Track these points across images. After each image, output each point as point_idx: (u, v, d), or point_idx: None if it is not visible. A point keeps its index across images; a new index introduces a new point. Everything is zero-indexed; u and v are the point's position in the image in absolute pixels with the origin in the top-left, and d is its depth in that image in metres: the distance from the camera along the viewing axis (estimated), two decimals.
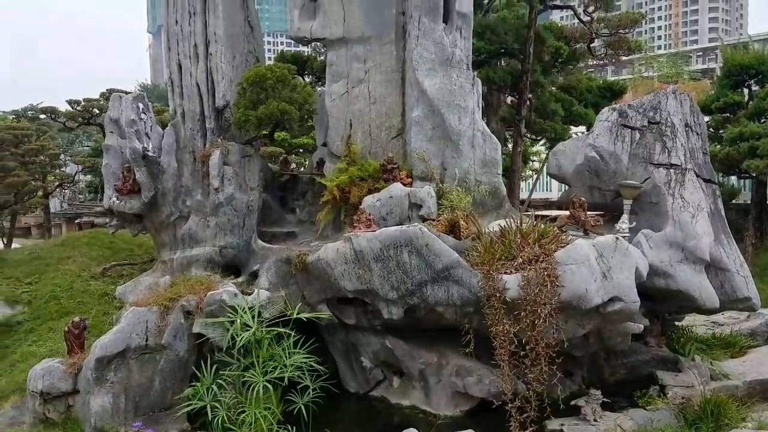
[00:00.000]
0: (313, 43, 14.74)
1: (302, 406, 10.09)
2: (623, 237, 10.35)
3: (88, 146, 38.10)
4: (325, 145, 13.77)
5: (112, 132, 13.32)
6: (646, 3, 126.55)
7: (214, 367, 10.45)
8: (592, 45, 19.44)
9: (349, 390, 12.00)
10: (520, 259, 9.65)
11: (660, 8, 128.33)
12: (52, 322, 15.91)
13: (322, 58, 19.51)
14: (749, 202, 22.20)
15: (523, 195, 24.45)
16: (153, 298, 11.37)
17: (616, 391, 11.03)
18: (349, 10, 12.78)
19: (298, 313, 10.71)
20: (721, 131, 21.70)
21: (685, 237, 10.85)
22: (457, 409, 10.82)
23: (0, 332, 15.88)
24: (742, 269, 11.54)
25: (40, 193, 25.99)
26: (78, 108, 23.54)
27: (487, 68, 18.89)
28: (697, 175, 11.70)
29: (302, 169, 19.26)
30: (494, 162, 12.50)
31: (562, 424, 9.81)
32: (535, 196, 27.25)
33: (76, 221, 32.29)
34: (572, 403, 10.37)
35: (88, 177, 35.48)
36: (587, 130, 16.38)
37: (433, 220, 11.20)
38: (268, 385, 9.82)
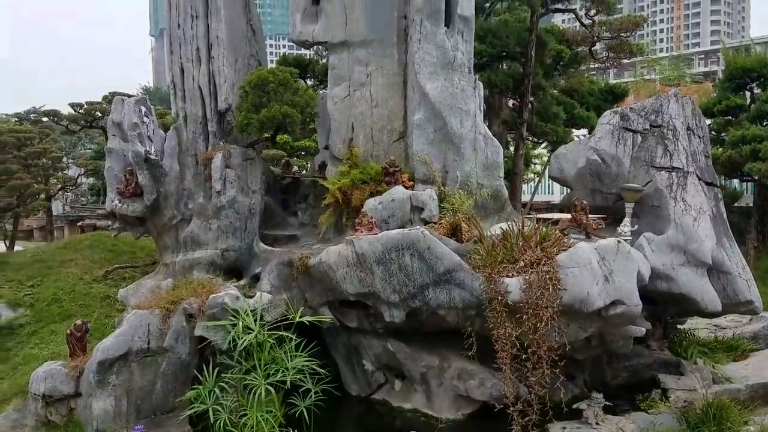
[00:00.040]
0: (315, 47, 14.76)
1: (304, 410, 10.08)
2: (625, 240, 10.34)
3: (90, 149, 38.18)
4: (327, 148, 13.79)
5: (114, 135, 13.36)
6: (648, 6, 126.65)
7: (216, 370, 10.44)
8: (593, 48, 19.47)
9: (351, 393, 12.00)
10: (522, 263, 9.65)
11: (662, 11, 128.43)
12: (55, 324, 15.93)
13: (324, 61, 19.54)
14: (751, 205, 22.16)
15: (525, 198, 24.45)
16: (155, 301, 11.37)
17: (618, 394, 11.03)
18: (351, 13, 12.81)
19: (300, 317, 10.72)
20: (723, 134, 21.67)
21: (687, 240, 10.84)
22: (459, 412, 10.81)
23: (2, 335, 15.91)
24: (744, 272, 11.53)
25: (42, 195, 26.05)
26: (80, 111, 23.65)
27: (488, 71, 18.90)
28: (699, 178, 11.69)
29: (304, 172, 19.30)
30: (496, 165, 12.50)
31: (564, 428, 9.78)
32: (537, 199, 27.21)
33: (79, 224, 32.38)
34: (574, 406, 10.34)
35: (91, 180, 35.58)
36: (589, 134, 16.37)
37: (435, 223, 11.20)
38: (270, 388, 9.82)
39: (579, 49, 20.26)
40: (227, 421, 9.75)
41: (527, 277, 9.36)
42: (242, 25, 13.85)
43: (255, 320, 10.35)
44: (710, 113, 21.33)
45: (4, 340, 15.71)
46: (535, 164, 29.04)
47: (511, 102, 20.97)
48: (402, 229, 10.40)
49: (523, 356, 9.22)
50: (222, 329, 10.57)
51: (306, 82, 19.60)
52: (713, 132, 21.32)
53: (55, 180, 27.94)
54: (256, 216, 12.95)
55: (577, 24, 19.94)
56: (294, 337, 10.41)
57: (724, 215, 12.10)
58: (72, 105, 23.87)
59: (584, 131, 21.67)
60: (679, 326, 13.00)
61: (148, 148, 13.03)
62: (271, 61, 21.88)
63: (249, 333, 10.13)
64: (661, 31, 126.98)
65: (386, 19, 12.78)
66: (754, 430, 9.76)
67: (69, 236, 29.66)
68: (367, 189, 11.99)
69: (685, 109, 12.17)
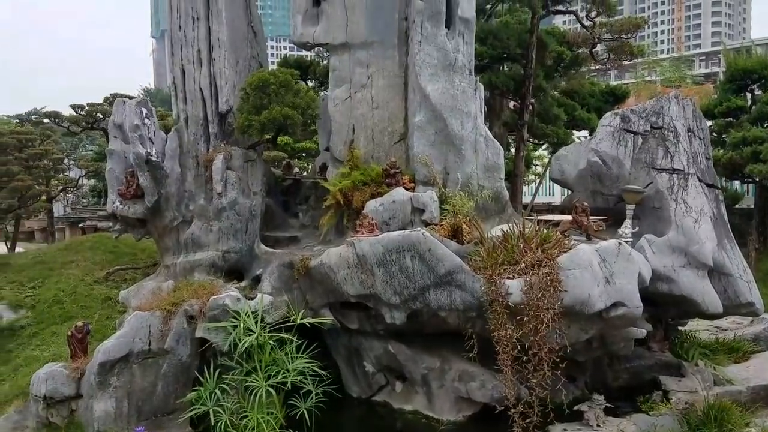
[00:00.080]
0: (316, 48, 14.78)
1: (305, 411, 10.08)
2: (626, 242, 10.34)
3: (91, 150, 38.20)
4: (327, 149, 13.80)
5: (115, 137, 13.38)
6: (648, 8, 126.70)
7: (217, 371, 10.45)
8: (594, 50, 19.47)
9: (352, 395, 11.99)
10: (523, 264, 9.65)
11: (663, 12, 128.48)
12: (56, 326, 15.93)
13: (325, 62, 19.56)
14: (752, 206, 22.15)
15: (526, 200, 24.43)
16: (156, 302, 11.38)
17: (619, 396, 11.03)
18: (352, 15, 12.82)
19: (301, 318, 10.73)
20: (723, 136, 21.65)
21: (688, 242, 10.84)
22: (460, 414, 10.81)
23: (3, 336, 15.91)
24: (745, 274, 11.52)
25: (43, 197, 26.07)
26: (81, 112, 23.68)
27: (489, 73, 18.90)
28: (700, 180, 11.69)
29: (305, 173, 19.30)
30: (497, 167, 12.51)
31: (565, 429, 9.78)
32: (538, 200, 27.17)
33: (80, 225, 32.35)
34: (575, 408, 10.32)
35: (92, 181, 35.59)
36: (590, 135, 16.37)
37: (436, 224, 11.21)
38: (271, 389, 9.83)
39: (580, 51, 20.26)
40: (228, 422, 9.76)
41: (528, 279, 9.36)
42: (243, 26, 13.87)
43: (256, 322, 10.35)
44: (711, 115, 21.32)
45: (5, 342, 15.72)
46: (535, 166, 29.03)
47: (511, 104, 20.96)
48: (403, 231, 10.40)
49: (524, 358, 9.22)
50: (223, 331, 10.58)
51: (307, 84, 19.60)
52: (714, 133, 21.31)
53: (56, 181, 27.97)
54: (257, 218, 12.96)
55: (578, 26, 19.94)
56: (295, 339, 10.42)
57: (725, 217, 12.10)
58: (73, 106, 23.91)
59: (585, 133, 21.64)
60: (680, 328, 12.99)
61: (149, 150, 13.04)
62: (272, 63, 21.88)
63: (250, 335, 10.14)
64: (662, 32, 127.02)
65: (387, 20, 12.79)
66: None
67: (70, 238, 29.68)
68: (368, 191, 12.00)
69: (686, 111, 12.17)
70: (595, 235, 10.90)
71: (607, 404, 10.49)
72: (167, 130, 14.01)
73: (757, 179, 19.48)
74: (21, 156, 23.75)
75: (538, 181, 28.36)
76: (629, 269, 9.72)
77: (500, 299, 9.38)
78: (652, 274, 10.44)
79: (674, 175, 11.54)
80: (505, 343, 9.32)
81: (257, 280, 12.13)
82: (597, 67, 22.78)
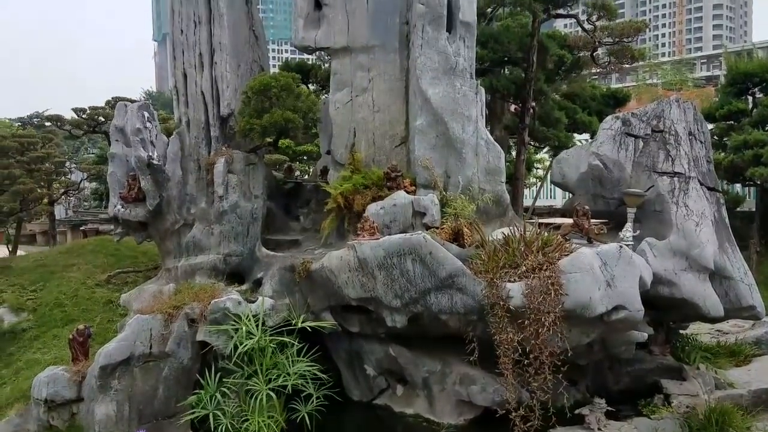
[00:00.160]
0: (317, 52, 14.81)
1: (306, 415, 10.09)
2: (627, 245, 10.34)
3: (93, 153, 38.27)
4: (329, 153, 13.82)
5: (117, 140, 13.42)
6: (650, 11, 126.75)
7: (218, 375, 10.46)
8: (595, 53, 19.47)
9: (353, 398, 11.98)
10: (524, 268, 9.65)
11: (664, 15, 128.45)
12: (57, 329, 15.93)
13: (326, 66, 19.58)
14: (753, 210, 22.13)
15: (527, 203, 24.43)
16: (157, 305, 11.40)
17: (620, 399, 11.00)
18: (353, 19, 12.85)
19: (302, 322, 10.73)
20: (725, 139, 21.66)
21: (689, 245, 10.83)
22: (461, 417, 10.79)
23: (5, 339, 15.91)
24: (746, 277, 11.51)
25: (45, 200, 26.06)
26: (83, 116, 23.69)
27: (490, 77, 18.92)
28: (701, 183, 11.69)
29: (306, 176, 19.32)
30: (498, 170, 12.52)
31: None
32: (539, 204, 27.19)
33: (81, 228, 32.39)
34: (576, 411, 10.31)
35: (93, 184, 35.63)
36: (591, 138, 16.38)
37: (437, 228, 11.22)
38: (272, 393, 9.83)
39: (581, 54, 20.23)
40: (229, 426, 9.77)
41: (529, 282, 9.36)
42: (245, 30, 13.91)
43: (257, 325, 10.37)
44: (712, 118, 21.35)
45: (6, 345, 15.72)
46: (536, 169, 29.01)
47: (512, 107, 20.96)
48: (404, 234, 10.41)
49: (525, 361, 9.22)
50: (224, 334, 10.59)
51: (308, 88, 19.61)
52: (715, 137, 21.32)
53: (57, 184, 27.96)
54: (258, 221, 12.98)
55: (579, 29, 19.92)
56: (296, 342, 10.42)
57: (726, 220, 12.09)
58: (75, 110, 23.93)
59: (586, 136, 21.67)
60: (681, 331, 12.98)
61: (150, 153, 13.07)
62: (274, 67, 21.95)
63: (251, 338, 10.15)
64: (663, 35, 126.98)
65: (388, 24, 12.83)
66: None
67: (72, 241, 29.71)
68: (369, 194, 12.02)
69: (687, 114, 12.18)
70: (596, 238, 10.89)
71: (608, 408, 10.48)
72: (169, 134, 14.05)
73: (759, 182, 19.49)
74: (23, 159, 23.74)
75: (539, 184, 28.36)
76: (630, 273, 9.71)
77: (501, 302, 9.38)
78: (654, 278, 10.43)
79: (675, 179, 11.54)
80: (506, 346, 9.32)
81: (258, 283, 12.14)
82: (598, 70, 22.74)
